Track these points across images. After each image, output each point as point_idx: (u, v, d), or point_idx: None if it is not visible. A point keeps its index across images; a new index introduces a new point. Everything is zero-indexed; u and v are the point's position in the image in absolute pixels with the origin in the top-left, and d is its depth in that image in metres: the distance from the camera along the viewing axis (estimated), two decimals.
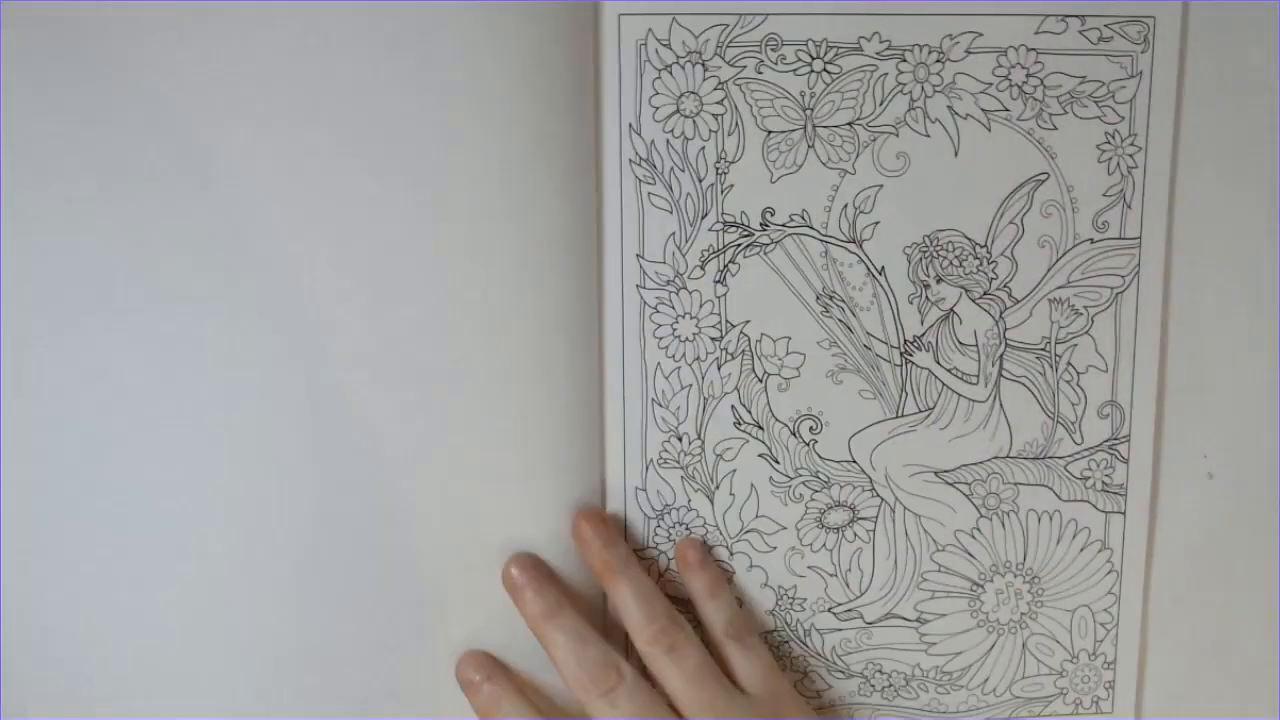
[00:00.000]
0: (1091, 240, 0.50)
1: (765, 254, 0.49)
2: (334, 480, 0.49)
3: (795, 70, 0.48)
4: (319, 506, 0.49)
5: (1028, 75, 0.48)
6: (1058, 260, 0.50)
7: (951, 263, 0.49)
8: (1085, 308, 0.50)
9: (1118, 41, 0.48)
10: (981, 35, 0.48)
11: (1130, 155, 0.49)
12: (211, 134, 0.46)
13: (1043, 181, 0.49)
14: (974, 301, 0.50)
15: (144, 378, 0.48)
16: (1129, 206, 0.49)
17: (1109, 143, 0.49)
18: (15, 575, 0.50)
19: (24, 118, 0.46)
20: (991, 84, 0.48)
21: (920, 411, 0.51)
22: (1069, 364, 0.51)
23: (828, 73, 0.48)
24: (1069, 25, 0.48)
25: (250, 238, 0.47)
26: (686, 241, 0.49)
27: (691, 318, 0.50)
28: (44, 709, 0.51)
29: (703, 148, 0.48)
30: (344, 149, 0.47)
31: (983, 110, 0.48)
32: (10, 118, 0.46)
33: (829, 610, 0.52)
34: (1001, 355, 0.50)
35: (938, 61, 0.48)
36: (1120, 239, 0.50)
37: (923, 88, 0.48)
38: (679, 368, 0.50)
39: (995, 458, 0.51)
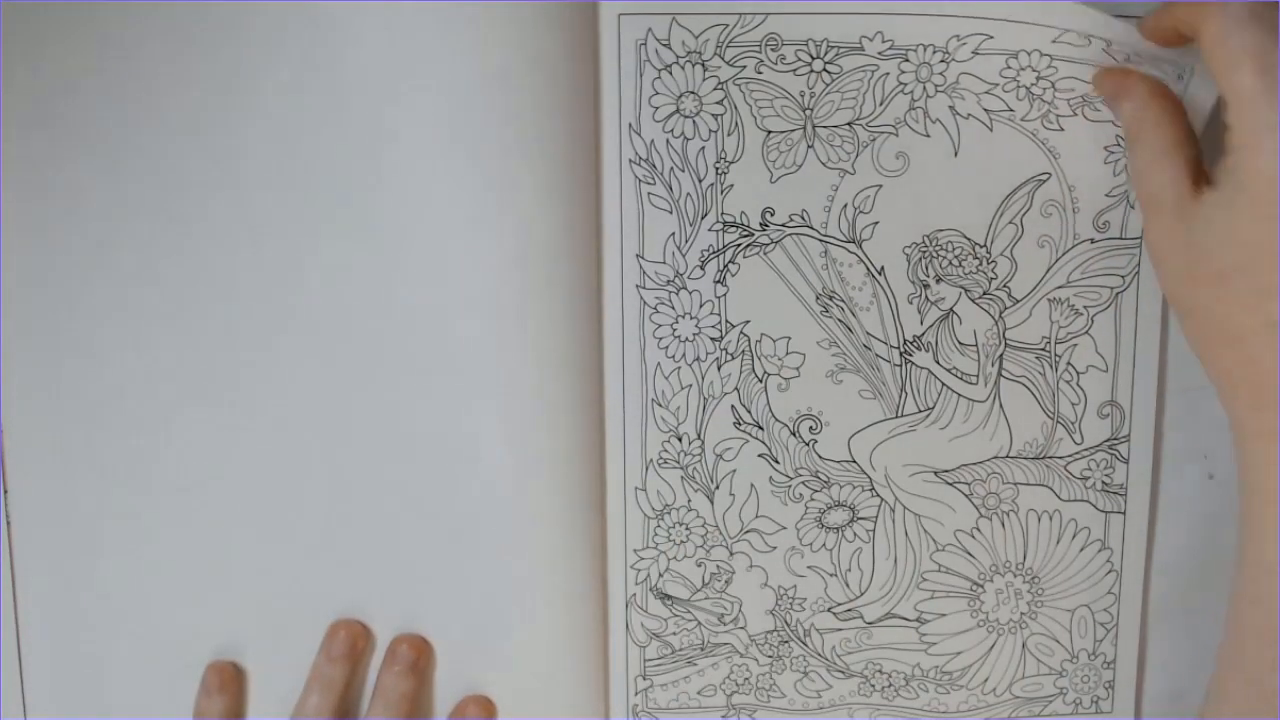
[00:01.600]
0: (1092, 240, 0.49)
1: (765, 254, 0.49)
2: (340, 477, 0.50)
3: (795, 70, 0.48)
4: (329, 504, 0.50)
5: (1038, 78, 0.47)
6: (1057, 260, 0.50)
7: (951, 262, 0.49)
8: (1085, 307, 0.50)
9: (1148, 66, 0.46)
10: (992, 38, 0.47)
11: None
12: (225, 132, 0.47)
13: (1044, 181, 0.49)
14: (974, 301, 0.50)
15: (157, 376, 0.49)
16: (1131, 207, 0.49)
17: (1119, 145, 0.48)
18: (35, 574, 0.51)
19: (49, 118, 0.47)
20: (997, 84, 0.48)
21: (920, 411, 0.51)
22: (1069, 364, 0.50)
23: (827, 73, 0.48)
24: (1092, 43, 0.46)
25: (259, 234, 0.48)
26: (686, 241, 0.49)
27: (691, 318, 0.50)
28: (64, 708, 0.52)
29: (702, 148, 0.48)
30: (344, 148, 0.47)
31: (985, 110, 0.48)
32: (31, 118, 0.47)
33: (829, 610, 0.53)
34: (1001, 355, 0.50)
35: (942, 61, 0.47)
36: (1121, 239, 0.49)
37: (924, 87, 0.48)
38: (679, 368, 0.50)
39: (995, 457, 0.51)
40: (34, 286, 0.48)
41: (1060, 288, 0.50)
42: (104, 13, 0.46)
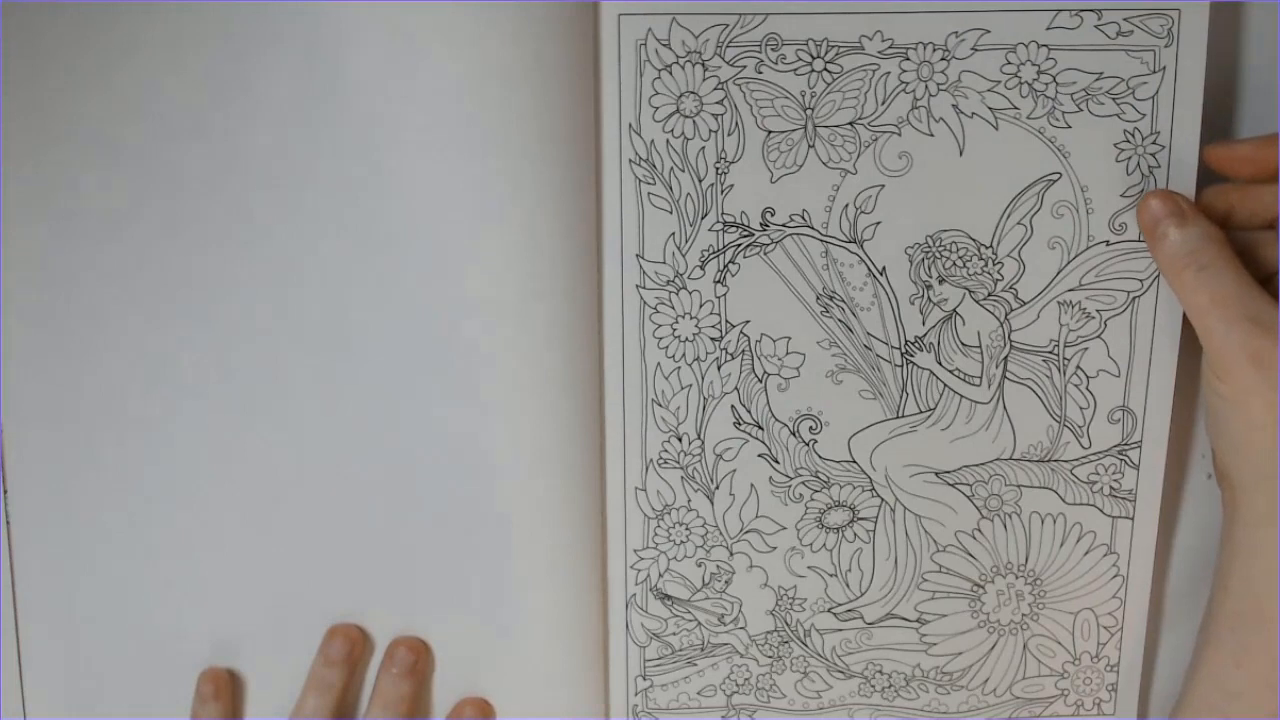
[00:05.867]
0: (1107, 243, 0.49)
1: (765, 254, 0.49)
2: (339, 477, 0.50)
3: (795, 70, 0.47)
4: (328, 504, 0.50)
5: (1039, 72, 0.47)
6: (1069, 262, 0.49)
7: (955, 263, 0.49)
8: (1098, 311, 0.49)
9: (1138, 36, 0.46)
10: (989, 32, 0.47)
11: (1152, 155, 0.48)
12: (225, 132, 0.47)
13: (1054, 181, 0.48)
14: (978, 303, 0.49)
15: (156, 376, 0.50)
16: None
17: (1128, 141, 0.48)
18: (35, 574, 0.52)
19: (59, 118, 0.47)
20: (1000, 81, 0.47)
21: (921, 412, 0.50)
22: (1078, 367, 0.50)
23: (828, 72, 0.47)
24: (1084, 20, 0.46)
25: (259, 234, 0.48)
26: (686, 241, 0.49)
27: (691, 318, 0.50)
28: (64, 708, 0.53)
29: (703, 148, 0.48)
30: (344, 148, 0.47)
31: (990, 109, 0.47)
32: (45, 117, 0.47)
33: (829, 610, 0.52)
34: (1006, 357, 0.50)
35: (942, 59, 0.47)
36: (1140, 241, 0.48)
37: (926, 86, 0.47)
38: (679, 368, 0.50)
39: (998, 459, 0.51)
40: (34, 286, 0.49)
41: (1071, 290, 0.49)
42: (104, 13, 0.46)
